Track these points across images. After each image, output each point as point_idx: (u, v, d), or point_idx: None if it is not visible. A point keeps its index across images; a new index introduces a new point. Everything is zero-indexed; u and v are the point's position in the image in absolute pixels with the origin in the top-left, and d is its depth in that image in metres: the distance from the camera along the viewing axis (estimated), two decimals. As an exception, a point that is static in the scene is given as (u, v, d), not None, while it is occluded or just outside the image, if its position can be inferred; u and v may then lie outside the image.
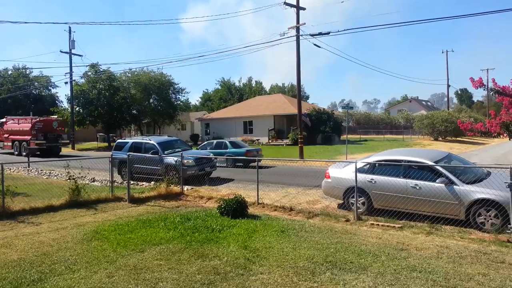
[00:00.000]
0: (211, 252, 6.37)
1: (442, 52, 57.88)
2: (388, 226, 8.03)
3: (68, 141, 33.43)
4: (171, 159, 14.50)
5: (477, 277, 5.24)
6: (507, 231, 6.99)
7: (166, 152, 15.22)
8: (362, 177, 9.23)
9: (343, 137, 36.05)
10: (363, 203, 9.32)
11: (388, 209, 8.90)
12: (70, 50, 37.78)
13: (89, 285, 5.13)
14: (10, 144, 31.46)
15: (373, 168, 9.49)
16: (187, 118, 54.41)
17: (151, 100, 45.28)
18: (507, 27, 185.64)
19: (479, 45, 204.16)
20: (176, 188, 12.43)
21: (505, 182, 7.20)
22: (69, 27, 37.41)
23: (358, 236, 7.31)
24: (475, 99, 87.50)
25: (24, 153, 28.99)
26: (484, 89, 13.15)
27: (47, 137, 29.77)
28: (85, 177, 13.99)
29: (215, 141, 22.15)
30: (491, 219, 7.60)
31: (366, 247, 6.55)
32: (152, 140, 15.85)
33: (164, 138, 17.26)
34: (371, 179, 9.21)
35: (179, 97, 48.25)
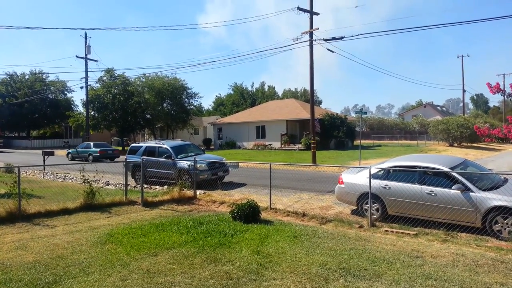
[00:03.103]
0: (224, 257, 6.36)
1: (458, 57, 57.31)
2: (402, 233, 7.91)
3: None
4: (184, 163, 14.57)
5: (494, 286, 5.13)
6: (526, 239, 6.83)
7: (179, 156, 15.31)
8: (376, 183, 9.14)
9: (356, 142, 35.81)
10: (377, 209, 9.22)
11: (402, 216, 8.79)
12: (86, 55, 38.34)
13: (103, 288, 5.17)
14: None
15: (387, 174, 9.39)
16: (200, 122, 54.73)
17: (164, 105, 45.64)
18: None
19: (495, 49, 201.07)
20: (189, 192, 12.49)
21: (523, 189, 7.04)
22: (85, 33, 37.97)
23: (372, 242, 7.22)
24: (491, 104, 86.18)
25: None
26: (501, 95, 12.91)
27: None
28: (99, 180, 14.16)
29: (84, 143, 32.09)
30: (508, 227, 7.44)
31: (380, 254, 6.46)
32: (166, 145, 15.98)
33: (177, 142, 17.38)
34: (386, 185, 9.11)
35: (192, 102, 48.58)
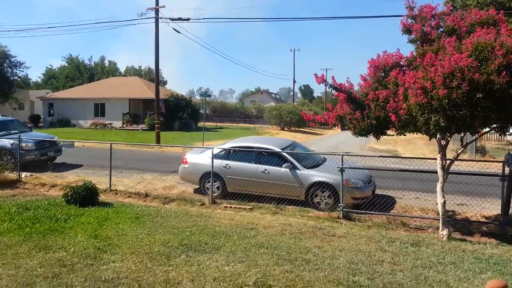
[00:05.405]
0: (56, 244, 5.85)
1: (290, 50, 63.46)
2: (240, 208, 8.55)
3: None
4: (5, 142, 12.63)
5: (314, 249, 6.01)
6: (338, 209, 8.16)
7: (-1, 134, 13.19)
8: (217, 162, 9.58)
9: (200, 124, 36.58)
10: (218, 187, 9.70)
11: (240, 193, 9.47)
12: None
13: None
14: None
15: (228, 154, 9.93)
16: (26, 96, 47.75)
17: (-21, 74, 38.30)
18: (342, 32, 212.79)
19: (321, 46, 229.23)
20: (11, 175, 10.96)
21: (337, 167, 8.35)
22: None
23: (212, 218, 7.61)
24: (315, 94, 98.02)
25: None
26: (325, 85, 14.95)
27: None
28: None
29: None
30: (325, 199, 8.76)
31: (219, 229, 6.87)
32: (-20, 120, 13.55)
33: (-4, 118, 14.92)
34: (226, 164, 9.64)
35: (16, 72, 41.91)
